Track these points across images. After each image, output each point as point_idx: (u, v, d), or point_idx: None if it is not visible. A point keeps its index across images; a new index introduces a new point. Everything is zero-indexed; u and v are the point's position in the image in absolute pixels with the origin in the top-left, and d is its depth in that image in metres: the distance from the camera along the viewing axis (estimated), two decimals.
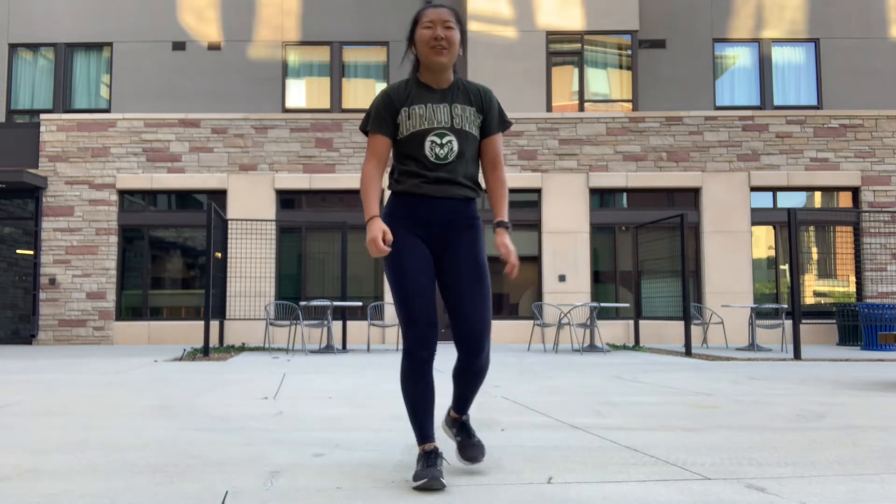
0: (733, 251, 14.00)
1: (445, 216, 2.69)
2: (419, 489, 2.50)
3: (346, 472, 2.82)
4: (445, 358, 9.51)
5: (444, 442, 3.46)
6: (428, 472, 2.50)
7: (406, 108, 2.68)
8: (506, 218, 2.73)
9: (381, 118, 2.69)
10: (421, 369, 2.60)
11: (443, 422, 3.00)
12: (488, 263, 14.17)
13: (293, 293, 14.10)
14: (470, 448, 2.81)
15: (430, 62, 2.65)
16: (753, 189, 14.26)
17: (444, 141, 2.65)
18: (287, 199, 14.29)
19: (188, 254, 14.24)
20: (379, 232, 2.52)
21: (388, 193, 14.05)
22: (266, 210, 14.04)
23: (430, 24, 2.65)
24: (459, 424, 2.90)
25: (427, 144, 2.65)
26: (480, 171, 2.81)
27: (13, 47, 15.15)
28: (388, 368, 7.98)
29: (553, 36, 14.79)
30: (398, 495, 2.46)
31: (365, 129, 2.75)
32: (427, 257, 2.68)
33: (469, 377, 2.75)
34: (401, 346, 12.49)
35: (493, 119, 2.77)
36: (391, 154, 2.78)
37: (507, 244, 2.66)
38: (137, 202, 14.26)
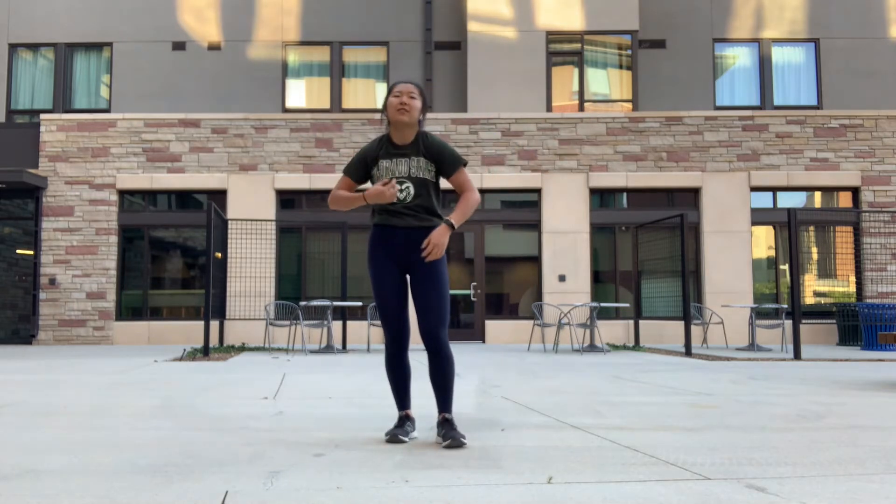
0: (733, 251, 14.00)
1: (410, 241, 3.47)
2: (388, 442, 3.43)
3: (346, 472, 2.83)
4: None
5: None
6: (395, 431, 3.45)
7: (377, 164, 3.51)
8: (453, 219, 3.43)
9: (354, 167, 3.56)
10: (397, 358, 3.51)
11: (436, 434, 3.52)
12: (486, 264, 14.20)
13: (293, 293, 14.10)
14: (450, 433, 3.32)
15: (395, 121, 3.47)
16: (753, 189, 14.26)
17: (403, 187, 3.46)
18: (287, 199, 14.29)
19: (188, 254, 14.24)
20: (378, 187, 3.32)
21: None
22: (266, 210, 14.04)
23: (399, 94, 3.48)
24: (443, 422, 3.41)
25: None
26: (439, 199, 3.60)
27: (13, 47, 15.15)
28: None
29: (553, 36, 14.79)
30: (398, 495, 2.46)
31: (345, 171, 3.59)
32: (399, 279, 3.52)
33: (436, 370, 3.43)
34: None
35: (445, 164, 3.51)
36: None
37: (437, 236, 3.35)
38: (137, 202, 14.26)
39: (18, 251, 14.10)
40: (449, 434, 3.31)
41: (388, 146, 3.53)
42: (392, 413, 4.44)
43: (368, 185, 3.85)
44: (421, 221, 3.48)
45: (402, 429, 3.47)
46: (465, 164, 3.55)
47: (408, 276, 3.57)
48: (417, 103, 3.49)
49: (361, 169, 3.55)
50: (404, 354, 3.50)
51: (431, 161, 3.51)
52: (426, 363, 8.56)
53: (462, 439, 3.29)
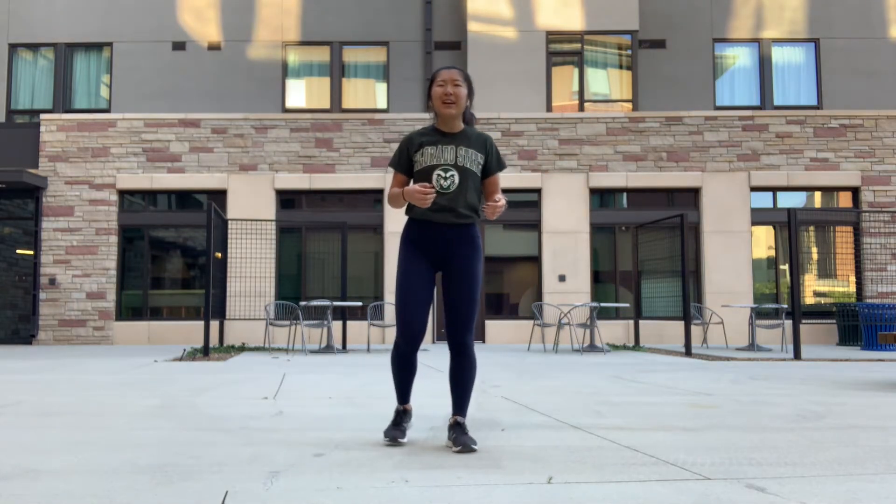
0: (733, 251, 14.00)
1: (447, 238, 3.36)
2: (387, 443, 3.38)
3: (346, 472, 2.83)
4: (441, 359, 9.50)
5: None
6: (393, 432, 3.38)
7: (421, 150, 3.37)
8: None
9: (398, 160, 3.44)
10: (407, 357, 3.39)
11: (446, 437, 3.43)
12: (486, 264, 14.19)
13: (293, 293, 14.10)
14: (462, 437, 3.23)
15: (442, 113, 3.35)
16: (753, 189, 14.26)
17: (448, 175, 3.32)
18: (287, 199, 14.29)
19: (188, 254, 14.24)
20: (418, 188, 3.16)
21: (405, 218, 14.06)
22: (266, 210, 14.04)
23: (443, 83, 3.34)
24: (454, 425, 3.32)
25: (434, 176, 3.33)
26: (480, 198, 3.49)
27: (13, 47, 15.15)
28: (387, 369, 7.98)
29: (553, 36, 14.79)
30: (398, 495, 2.46)
31: (392, 165, 3.49)
32: (428, 275, 3.38)
33: (457, 371, 3.36)
34: None
35: (492, 161, 3.45)
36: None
37: (498, 197, 3.31)
38: (137, 202, 14.27)
39: (18, 251, 14.10)
40: (460, 440, 3.21)
41: (432, 133, 3.40)
42: (393, 412, 4.44)
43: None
44: (459, 218, 3.34)
45: (399, 428, 3.43)
46: (505, 167, 3.53)
47: (438, 274, 3.50)
48: (463, 91, 3.34)
49: (408, 158, 3.41)
50: (415, 354, 3.40)
51: (480, 153, 3.40)
52: (424, 364, 8.55)
53: (473, 446, 3.19)
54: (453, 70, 3.37)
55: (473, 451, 3.19)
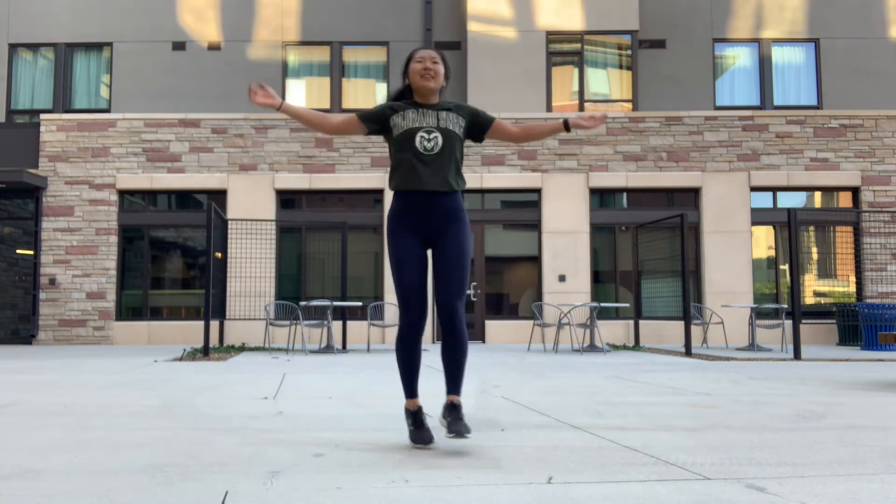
0: (733, 251, 14.00)
1: (436, 209, 3.34)
2: (423, 446, 3.26)
3: (346, 472, 2.83)
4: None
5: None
6: (424, 435, 3.28)
7: (401, 113, 3.38)
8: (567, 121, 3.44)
9: (371, 116, 3.43)
10: (412, 341, 3.33)
11: (440, 416, 3.38)
12: (486, 264, 14.20)
13: (293, 293, 14.10)
14: (456, 423, 3.17)
15: (421, 87, 3.39)
16: (753, 189, 14.26)
17: (431, 136, 3.32)
18: (287, 199, 14.29)
19: (188, 254, 14.24)
20: (262, 89, 3.25)
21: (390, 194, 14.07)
22: (266, 210, 14.04)
23: (421, 60, 3.40)
24: (450, 406, 3.28)
25: (417, 139, 3.33)
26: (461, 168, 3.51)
27: (13, 47, 15.15)
28: (387, 369, 7.98)
29: (553, 36, 14.78)
30: (398, 495, 2.46)
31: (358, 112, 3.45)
32: (421, 253, 3.36)
33: (450, 346, 3.29)
34: None
35: (480, 115, 3.49)
36: (390, 156, 3.46)
37: (584, 115, 3.41)
38: (137, 202, 14.26)
39: (18, 251, 14.10)
40: (454, 426, 3.14)
41: (413, 103, 3.43)
42: (393, 413, 4.43)
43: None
44: (444, 185, 3.32)
45: (425, 430, 3.32)
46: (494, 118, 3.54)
47: (429, 251, 3.42)
48: (441, 68, 3.40)
49: (376, 119, 3.41)
50: (420, 337, 3.35)
51: (461, 117, 3.42)
52: (424, 364, 8.55)
53: (467, 434, 3.10)
54: (431, 50, 3.43)
55: (466, 438, 3.11)
